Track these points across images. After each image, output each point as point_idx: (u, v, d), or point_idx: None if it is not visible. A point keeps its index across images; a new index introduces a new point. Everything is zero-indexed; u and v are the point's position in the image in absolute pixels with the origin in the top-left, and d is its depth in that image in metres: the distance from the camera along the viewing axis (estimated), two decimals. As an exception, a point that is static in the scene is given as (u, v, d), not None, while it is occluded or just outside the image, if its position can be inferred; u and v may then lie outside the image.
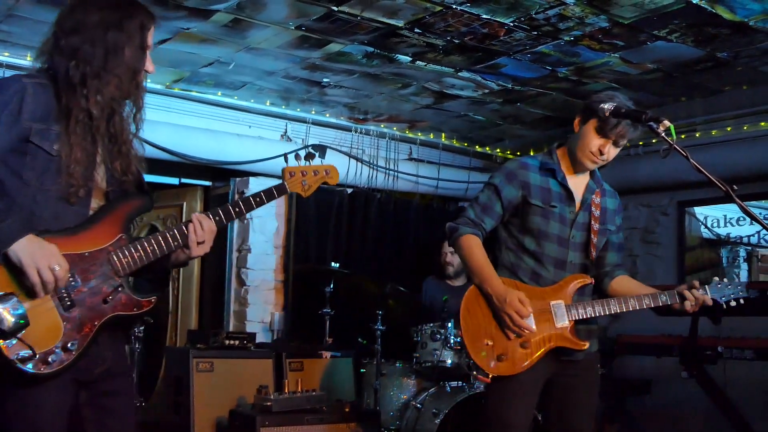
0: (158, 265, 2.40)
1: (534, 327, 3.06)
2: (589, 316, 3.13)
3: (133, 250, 2.29)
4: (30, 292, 2.10)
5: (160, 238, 2.34)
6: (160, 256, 2.34)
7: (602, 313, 3.14)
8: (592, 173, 3.31)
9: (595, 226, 3.24)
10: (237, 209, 2.50)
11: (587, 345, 3.12)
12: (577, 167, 3.25)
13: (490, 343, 3.07)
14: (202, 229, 2.38)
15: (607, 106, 3.02)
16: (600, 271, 3.35)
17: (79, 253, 2.21)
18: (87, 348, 2.17)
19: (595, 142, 3.13)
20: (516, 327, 3.02)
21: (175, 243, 2.36)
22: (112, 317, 2.23)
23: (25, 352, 2.06)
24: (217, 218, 2.44)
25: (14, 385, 2.12)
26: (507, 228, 3.28)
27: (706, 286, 3.20)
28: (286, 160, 2.75)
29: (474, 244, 3.17)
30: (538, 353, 3.07)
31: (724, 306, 3.23)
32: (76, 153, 2.21)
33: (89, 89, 2.24)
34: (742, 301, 3.28)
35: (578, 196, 3.26)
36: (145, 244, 2.32)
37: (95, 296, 2.21)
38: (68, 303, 2.16)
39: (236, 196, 6.90)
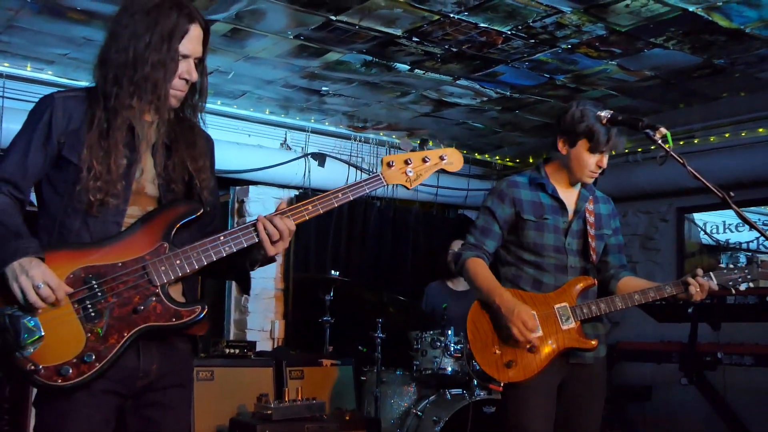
0: (237, 263, 2.32)
1: (540, 333, 3.11)
2: (594, 314, 3.17)
3: (173, 259, 2.20)
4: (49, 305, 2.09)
5: (208, 246, 2.23)
6: (207, 264, 2.24)
7: (608, 311, 3.18)
8: (583, 182, 3.37)
9: (592, 231, 3.30)
10: (311, 208, 2.30)
11: (596, 343, 3.16)
12: (574, 181, 3.33)
13: (498, 351, 3.14)
14: (275, 228, 2.24)
15: (604, 114, 3.05)
16: (605, 275, 3.42)
17: (109, 264, 2.15)
18: (115, 359, 2.12)
19: (591, 161, 3.21)
20: (522, 337, 3.05)
21: (226, 248, 2.24)
22: (146, 328, 2.16)
23: (32, 365, 2.05)
24: (297, 215, 2.28)
25: (45, 395, 2.14)
26: (506, 246, 3.35)
27: (711, 273, 3.20)
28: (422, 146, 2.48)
29: (478, 265, 3.25)
30: (548, 357, 3.12)
31: (734, 291, 3.24)
32: (95, 162, 2.17)
33: (108, 98, 2.22)
34: (751, 284, 3.27)
35: (571, 205, 3.33)
36: (189, 252, 2.22)
37: (124, 306, 2.15)
38: (92, 314, 2.12)
39: (236, 205, 6.92)
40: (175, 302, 2.21)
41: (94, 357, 2.09)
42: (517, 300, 3.11)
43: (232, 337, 6.72)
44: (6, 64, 5.52)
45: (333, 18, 4.62)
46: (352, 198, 2.33)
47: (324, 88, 6.08)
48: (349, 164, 7.11)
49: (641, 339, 6.23)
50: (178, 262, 2.20)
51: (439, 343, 5.10)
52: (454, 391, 5.08)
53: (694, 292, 3.12)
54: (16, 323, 2.06)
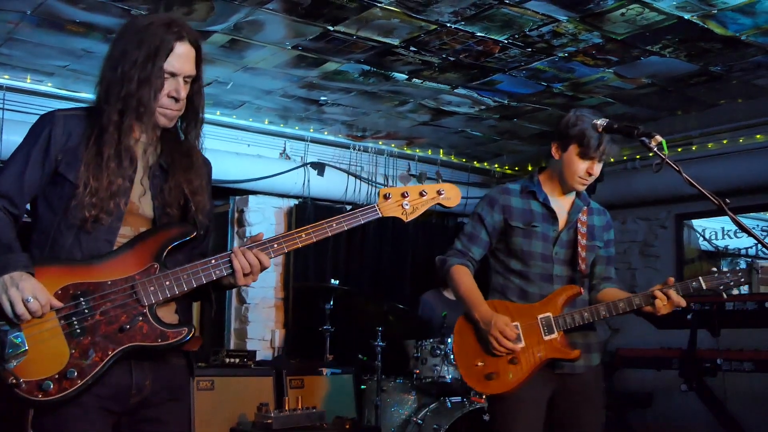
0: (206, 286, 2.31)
1: (522, 344, 3.09)
2: (577, 324, 3.12)
3: (163, 280, 2.20)
4: (35, 320, 2.09)
5: (199, 269, 2.24)
6: (196, 286, 2.25)
7: (591, 320, 3.12)
8: (578, 192, 3.36)
9: (583, 242, 3.27)
10: (304, 236, 2.31)
11: (578, 353, 3.11)
12: (566, 189, 3.30)
13: (480, 364, 3.14)
14: (247, 262, 2.25)
15: (600, 122, 3.06)
16: (589, 285, 3.38)
17: (98, 282, 2.16)
18: (99, 376, 2.11)
19: (581, 166, 3.18)
20: (502, 348, 3.06)
21: (217, 272, 2.25)
22: (131, 347, 2.15)
23: (14, 379, 2.05)
24: (275, 246, 2.29)
25: (39, 415, 2.12)
26: (494, 254, 3.35)
27: (701, 277, 3.12)
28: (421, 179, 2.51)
29: (462, 274, 3.25)
30: (529, 368, 3.09)
31: (725, 295, 3.17)
32: (91, 179, 2.18)
33: (102, 115, 2.23)
34: (744, 288, 3.23)
35: (563, 215, 3.30)
36: (180, 273, 2.22)
37: (111, 324, 2.15)
38: (78, 330, 2.12)
39: (236, 215, 6.94)
40: (162, 323, 2.20)
41: (76, 374, 2.09)
42: (493, 311, 3.12)
43: (232, 347, 6.73)
44: (6, 77, 5.55)
45: (331, 28, 4.65)
46: (346, 228, 2.34)
47: (322, 98, 6.10)
48: (349, 173, 7.13)
49: (641, 346, 6.24)
50: (167, 283, 2.21)
51: (439, 351, 5.11)
52: (455, 399, 5.08)
53: (660, 306, 3.05)
54: (2, 337, 2.07)
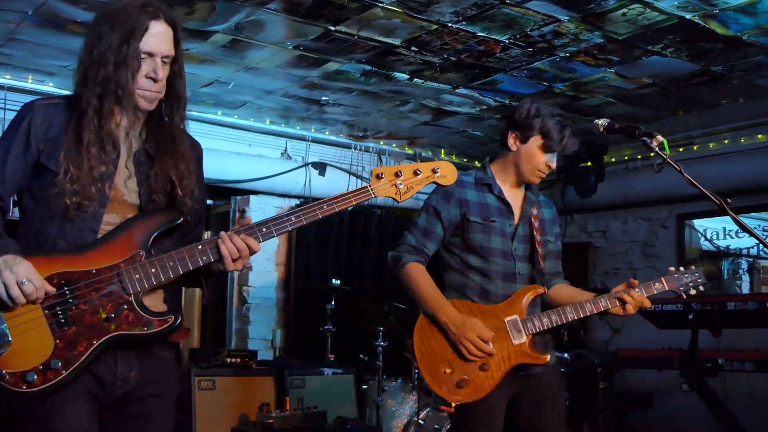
0: (195, 272, 2.25)
1: (492, 351, 2.94)
2: (545, 327, 3.03)
3: (149, 267, 2.15)
4: (18, 310, 2.05)
5: (185, 254, 2.18)
6: (183, 273, 2.19)
7: (559, 323, 3.04)
8: (528, 185, 3.25)
9: (538, 237, 3.18)
10: (294, 219, 2.24)
11: (548, 358, 3.01)
12: (520, 181, 3.20)
13: (448, 371, 2.94)
14: (235, 247, 2.19)
15: (601, 122, 3.04)
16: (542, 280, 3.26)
17: (82, 271, 2.12)
18: (84, 366, 2.08)
19: (542, 159, 3.10)
20: (478, 352, 2.91)
21: (204, 258, 2.19)
22: (116, 336, 2.11)
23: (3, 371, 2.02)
24: (264, 230, 2.22)
25: (20, 403, 2.09)
26: (448, 248, 3.16)
27: (663, 278, 3.11)
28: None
29: (419, 272, 3.05)
30: (500, 374, 2.95)
31: (684, 296, 3.14)
32: (71, 166, 2.14)
33: (80, 100, 2.19)
34: (701, 288, 3.16)
35: (517, 208, 3.19)
36: (166, 260, 2.17)
37: (95, 314, 2.11)
38: (62, 320, 2.08)
39: (237, 215, 6.94)
40: (148, 311, 2.15)
41: (60, 364, 2.05)
42: (464, 315, 2.95)
43: (233, 347, 6.73)
44: (7, 76, 5.55)
45: (332, 28, 4.65)
46: (337, 210, 2.27)
47: (324, 98, 6.10)
48: (350, 173, 7.13)
49: (642, 346, 6.23)
50: (153, 270, 2.16)
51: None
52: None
53: (628, 308, 3.02)
54: None
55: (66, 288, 2.10)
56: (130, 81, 2.18)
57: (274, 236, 2.25)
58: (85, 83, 2.20)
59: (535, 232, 3.18)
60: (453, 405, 2.95)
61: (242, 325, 6.80)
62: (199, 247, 2.20)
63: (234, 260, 2.21)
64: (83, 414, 2.13)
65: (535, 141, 3.10)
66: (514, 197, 3.20)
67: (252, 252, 2.23)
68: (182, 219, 2.27)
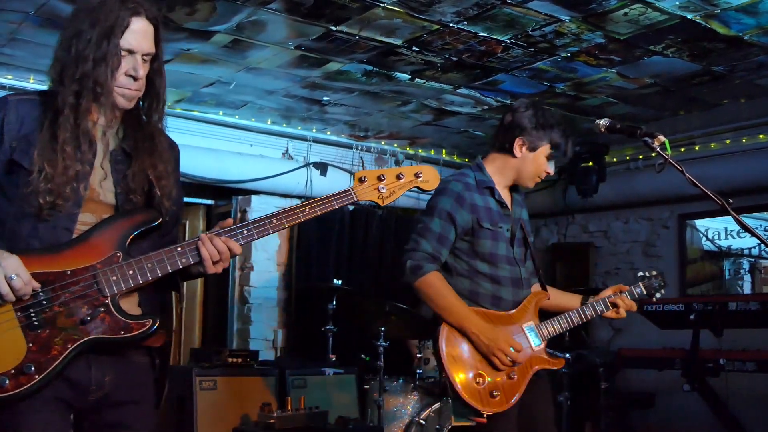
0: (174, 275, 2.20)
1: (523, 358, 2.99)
2: (557, 333, 3.08)
3: (126, 269, 2.09)
4: None
5: (164, 256, 2.13)
6: (161, 275, 2.13)
7: (567, 328, 3.11)
8: (515, 186, 3.26)
9: (529, 239, 3.21)
10: (275, 222, 2.22)
11: (563, 362, 3.10)
12: (513, 184, 3.22)
13: (481, 381, 2.93)
14: (216, 249, 2.15)
15: (603, 123, 3.04)
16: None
17: (57, 272, 2.04)
18: (58, 371, 2.01)
19: (546, 167, 3.15)
20: (509, 363, 2.92)
21: (183, 260, 2.14)
22: (92, 340, 2.04)
23: None
24: (245, 233, 2.19)
25: None
26: (454, 253, 3.12)
27: (640, 283, 3.32)
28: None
29: (441, 282, 3.01)
30: (525, 381, 2.98)
31: (653, 299, 3.37)
32: (46, 164, 2.07)
33: (57, 97, 2.13)
34: (663, 292, 3.38)
35: (510, 211, 3.21)
36: (144, 262, 2.11)
37: (70, 317, 2.03)
38: (35, 323, 2.01)
39: (239, 215, 6.94)
40: (125, 314, 2.09)
41: (33, 368, 1.98)
42: (492, 326, 2.95)
43: (234, 347, 6.73)
44: (9, 77, 5.56)
45: (333, 28, 4.65)
46: (319, 213, 2.25)
47: (325, 98, 6.10)
48: (351, 173, 7.13)
49: (643, 346, 6.22)
50: (131, 272, 2.10)
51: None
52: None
53: (623, 313, 3.16)
54: None
55: (40, 289, 2.03)
56: (109, 78, 2.13)
57: (255, 239, 2.21)
58: (62, 80, 2.14)
59: (526, 234, 3.21)
60: (485, 415, 2.92)
61: (243, 325, 6.80)
62: (179, 249, 2.15)
63: (215, 263, 2.17)
64: (54, 421, 2.07)
65: (544, 150, 3.13)
66: (506, 199, 3.21)
67: (233, 254, 2.18)
68: (161, 219, 2.21)
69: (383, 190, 2.29)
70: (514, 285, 3.11)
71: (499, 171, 3.20)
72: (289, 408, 4.82)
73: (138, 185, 2.22)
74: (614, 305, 3.14)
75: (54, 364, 2.00)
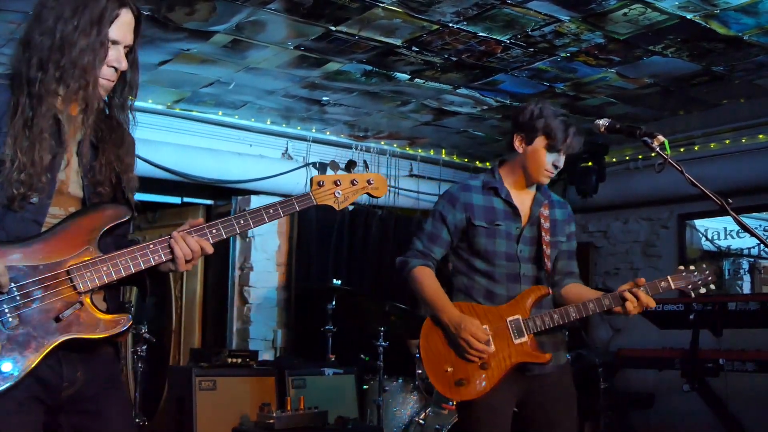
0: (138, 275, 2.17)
1: (492, 348, 2.99)
2: (547, 326, 3.05)
3: (100, 265, 2.04)
4: None
5: (137, 254, 2.09)
6: (134, 272, 2.09)
7: (561, 322, 3.06)
8: (539, 186, 3.27)
9: (546, 238, 3.19)
10: (242, 222, 2.23)
11: (549, 357, 3.04)
12: (529, 182, 3.22)
13: (450, 369, 3.01)
14: (189, 248, 2.14)
15: (602, 123, 3.04)
16: (551, 281, 3.28)
17: (29, 265, 1.97)
18: (35, 370, 1.94)
19: (548, 159, 3.13)
20: (474, 351, 2.96)
21: (156, 257, 2.12)
22: (70, 339, 1.99)
23: None
24: (214, 232, 2.18)
25: None
26: (456, 253, 3.22)
27: (669, 277, 3.10)
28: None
29: (425, 276, 3.13)
30: (500, 373, 2.99)
31: (692, 294, 3.13)
32: (19, 154, 1.99)
33: (32, 84, 2.04)
34: (712, 286, 3.16)
35: (525, 211, 3.21)
36: (117, 258, 2.06)
37: (45, 314, 1.97)
38: (9, 319, 1.93)
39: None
40: (99, 311, 2.05)
41: (10, 368, 1.91)
42: (463, 314, 3.01)
43: (234, 347, 6.73)
44: (8, 77, 5.55)
45: (332, 28, 4.65)
46: (282, 215, 2.29)
47: (325, 98, 6.10)
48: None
49: (643, 346, 6.23)
50: (105, 268, 2.05)
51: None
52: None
53: (630, 307, 3.01)
54: None
55: (13, 284, 1.96)
56: (96, 68, 2.08)
57: (223, 237, 2.21)
58: (42, 66, 2.06)
59: (543, 233, 3.19)
60: (454, 403, 2.96)
61: (243, 326, 6.80)
62: (151, 246, 2.13)
63: (187, 261, 2.16)
64: (29, 422, 2.00)
65: (540, 141, 3.12)
66: (523, 199, 3.23)
67: (204, 253, 2.19)
68: (131, 215, 2.18)
69: (339, 195, 2.36)
70: (510, 281, 3.13)
71: (510, 171, 3.24)
72: (289, 408, 4.83)
73: (105, 177, 2.18)
74: (623, 299, 3.02)
75: (31, 363, 1.94)
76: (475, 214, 3.15)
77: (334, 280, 5.98)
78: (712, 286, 3.17)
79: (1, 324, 1.94)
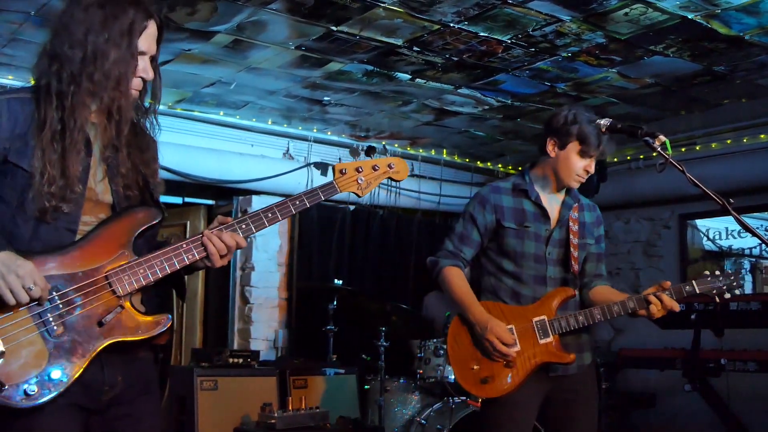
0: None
1: (517, 348, 3.06)
2: (572, 327, 3.10)
3: (137, 268, 2.08)
4: (5, 318, 1.93)
5: (172, 255, 2.13)
6: (170, 272, 2.13)
7: (586, 323, 3.10)
8: (568, 189, 3.32)
9: (575, 240, 3.24)
10: (270, 215, 2.24)
11: (573, 357, 3.10)
12: (560, 186, 3.27)
13: (476, 367, 3.11)
14: (223, 244, 2.18)
15: (603, 122, 3.05)
16: (580, 283, 3.33)
17: (69, 273, 2.01)
18: (81, 375, 1.97)
19: (579, 164, 3.17)
20: (498, 352, 3.04)
21: (190, 256, 2.15)
22: (113, 343, 2.03)
23: None
24: (244, 227, 2.22)
25: (7, 415, 1.95)
26: (486, 254, 3.30)
27: (694, 281, 3.09)
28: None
29: (454, 275, 3.22)
30: (525, 372, 3.07)
31: (717, 299, 3.13)
32: (48, 167, 2.02)
33: (63, 97, 2.06)
34: (737, 291, 3.15)
35: (554, 213, 3.27)
36: (153, 260, 2.10)
37: (88, 319, 2.00)
38: (54, 327, 1.96)
39: (239, 215, 6.93)
40: (140, 313, 2.09)
41: (60, 374, 1.94)
42: (490, 315, 3.09)
43: (235, 347, 6.73)
44: (10, 77, 5.56)
45: (334, 28, 4.65)
46: (308, 205, 2.30)
47: (326, 98, 6.10)
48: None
49: (645, 346, 6.23)
50: (141, 271, 2.09)
51: (442, 351, 5.10)
52: (458, 399, 5.07)
53: (654, 310, 3.03)
54: None
55: (54, 292, 1.99)
56: (129, 80, 2.12)
57: (253, 232, 2.24)
58: (75, 79, 2.07)
59: (571, 236, 3.24)
60: (479, 400, 3.10)
61: (245, 326, 6.80)
62: (184, 246, 2.17)
63: (222, 256, 2.20)
64: (67, 427, 2.02)
65: (573, 147, 3.17)
66: (553, 202, 3.29)
67: (238, 247, 2.23)
68: (162, 217, 2.21)
69: (361, 182, 2.37)
70: (537, 282, 3.19)
71: (541, 174, 3.30)
72: (290, 408, 4.83)
73: (132, 181, 2.22)
74: (647, 302, 3.04)
75: (78, 369, 1.98)
76: (505, 216, 3.22)
77: (336, 280, 5.98)
78: (737, 291, 3.16)
79: (47, 332, 1.97)
